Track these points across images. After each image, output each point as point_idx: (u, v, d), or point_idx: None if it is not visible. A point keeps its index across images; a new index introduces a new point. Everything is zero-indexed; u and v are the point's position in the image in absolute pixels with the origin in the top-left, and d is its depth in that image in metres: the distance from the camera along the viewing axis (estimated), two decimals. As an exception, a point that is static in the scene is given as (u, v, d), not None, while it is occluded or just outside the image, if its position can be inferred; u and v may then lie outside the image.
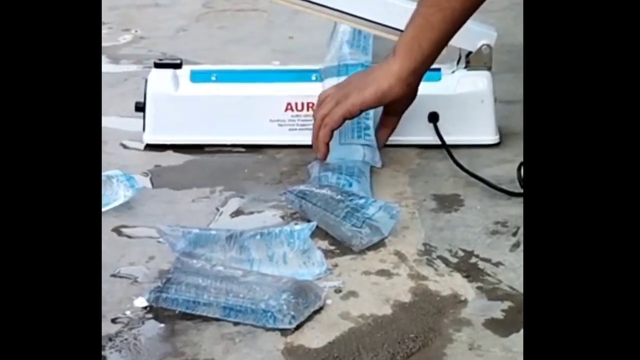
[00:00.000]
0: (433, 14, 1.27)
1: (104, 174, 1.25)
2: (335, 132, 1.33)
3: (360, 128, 1.38)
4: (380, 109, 1.37)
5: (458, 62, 1.46)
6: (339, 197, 1.19)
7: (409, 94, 1.32)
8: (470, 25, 1.45)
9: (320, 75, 1.45)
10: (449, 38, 1.30)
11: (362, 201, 1.18)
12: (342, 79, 1.39)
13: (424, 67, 1.31)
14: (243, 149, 1.41)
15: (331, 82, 1.40)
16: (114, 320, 1.02)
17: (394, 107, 1.34)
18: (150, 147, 1.46)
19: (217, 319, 1.01)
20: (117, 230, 1.21)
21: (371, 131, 1.38)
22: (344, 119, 1.31)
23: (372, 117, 1.38)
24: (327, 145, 1.32)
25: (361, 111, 1.31)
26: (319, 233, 1.16)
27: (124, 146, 1.48)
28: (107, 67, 1.81)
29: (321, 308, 1.03)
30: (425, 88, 1.43)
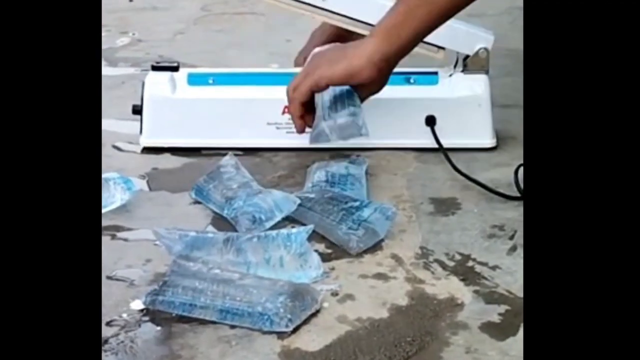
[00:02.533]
0: (418, 6, 1.26)
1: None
2: (320, 107, 1.32)
3: (343, 101, 1.33)
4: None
5: (455, 66, 1.46)
6: (333, 201, 1.19)
7: (377, 81, 1.30)
8: (467, 28, 1.45)
9: None
10: (428, 32, 1.30)
11: (356, 204, 1.18)
12: None
13: (398, 57, 1.29)
14: (240, 152, 1.41)
15: None
16: (110, 323, 1.02)
17: (362, 90, 1.32)
18: (147, 149, 1.46)
19: (213, 322, 1.01)
20: (113, 233, 1.21)
21: (354, 102, 1.32)
22: (311, 92, 1.31)
23: (354, 94, 1.34)
24: (302, 118, 1.32)
25: (327, 86, 1.30)
26: (315, 236, 1.16)
27: (121, 149, 1.48)
28: (104, 69, 1.81)
29: (318, 311, 1.03)
30: (422, 91, 1.43)
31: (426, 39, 1.41)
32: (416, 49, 1.41)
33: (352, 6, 1.43)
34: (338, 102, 1.31)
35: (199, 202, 1.28)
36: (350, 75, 1.28)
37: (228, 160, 1.32)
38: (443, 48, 1.44)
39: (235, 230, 1.18)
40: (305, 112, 1.33)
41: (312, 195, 1.22)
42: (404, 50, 1.28)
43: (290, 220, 1.21)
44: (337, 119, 1.30)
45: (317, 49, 1.38)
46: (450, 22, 1.42)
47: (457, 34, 1.44)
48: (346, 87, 1.31)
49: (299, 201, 1.21)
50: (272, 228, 1.17)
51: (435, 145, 1.41)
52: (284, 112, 1.44)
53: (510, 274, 1.10)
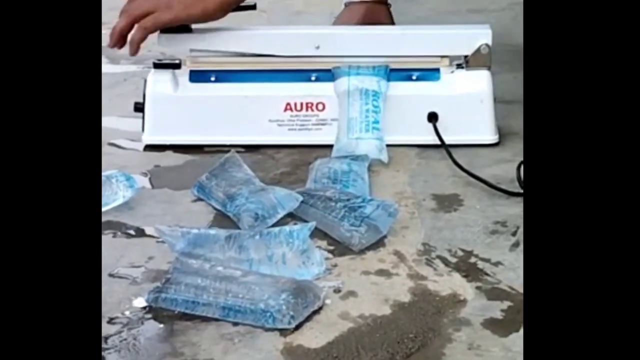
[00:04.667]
0: None
1: (103, 174, 1.24)
2: (344, 126, 1.34)
3: (368, 122, 1.38)
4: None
5: (459, 66, 1.46)
6: (335, 197, 1.19)
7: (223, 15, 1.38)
8: (464, 30, 1.46)
9: (324, 75, 1.45)
10: None
11: (359, 200, 1.18)
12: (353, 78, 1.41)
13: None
14: (242, 149, 1.41)
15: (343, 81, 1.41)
16: (113, 321, 1.02)
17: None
18: (149, 147, 1.46)
19: (216, 319, 1.01)
20: (116, 231, 1.21)
21: (379, 125, 1.38)
22: (163, 27, 1.37)
23: (380, 110, 1.38)
24: (125, 38, 1.39)
25: (178, 24, 1.37)
26: (318, 233, 1.16)
27: (123, 146, 1.48)
28: (106, 67, 1.80)
29: (320, 308, 1.03)
30: (424, 88, 1.43)
31: (427, 52, 1.42)
32: (419, 58, 1.43)
33: (344, 45, 1.45)
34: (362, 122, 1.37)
35: (201, 200, 1.28)
36: (206, 18, 1.37)
37: (230, 157, 1.32)
38: (446, 56, 1.45)
39: (238, 228, 1.18)
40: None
41: (314, 192, 1.22)
42: None
43: (292, 217, 1.21)
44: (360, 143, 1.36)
45: None
46: (446, 30, 1.44)
47: (455, 40, 1.45)
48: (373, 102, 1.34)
49: (301, 198, 1.21)
50: (275, 225, 1.17)
51: (438, 142, 1.40)
52: (286, 109, 1.44)
53: (512, 270, 1.10)
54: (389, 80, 1.42)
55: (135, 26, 1.38)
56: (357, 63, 1.43)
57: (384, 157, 1.37)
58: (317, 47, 1.44)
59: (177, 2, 1.35)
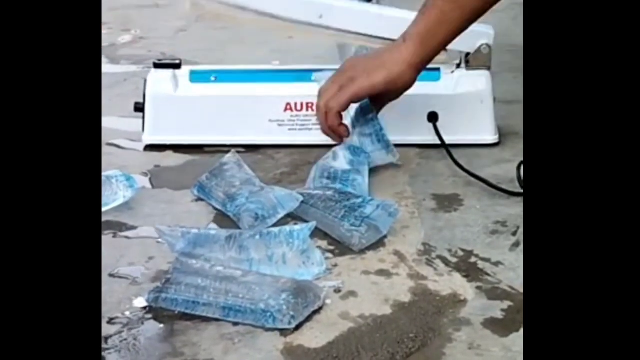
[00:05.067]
0: (452, 10, 1.28)
1: (103, 174, 1.25)
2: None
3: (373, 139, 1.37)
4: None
5: (459, 65, 1.46)
6: (336, 197, 1.19)
7: (410, 84, 1.31)
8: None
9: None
10: (459, 34, 1.31)
11: (359, 200, 1.18)
12: None
13: (432, 59, 1.31)
14: (242, 149, 1.41)
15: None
16: (113, 321, 1.02)
17: (386, 97, 1.33)
18: (149, 147, 1.46)
19: (216, 319, 1.01)
20: (116, 231, 1.21)
21: (385, 131, 1.36)
22: (350, 102, 1.31)
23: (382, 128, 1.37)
24: (342, 125, 1.32)
25: (368, 95, 1.31)
26: (318, 233, 1.16)
27: (124, 147, 1.48)
28: (106, 67, 1.81)
29: (320, 308, 1.03)
30: (424, 88, 1.43)
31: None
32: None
33: (349, 20, 1.43)
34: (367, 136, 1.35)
35: (202, 200, 1.28)
36: (391, 82, 1.29)
37: (230, 157, 1.32)
38: (445, 49, 1.44)
39: (238, 228, 1.18)
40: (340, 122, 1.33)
41: (314, 192, 1.22)
42: (437, 53, 1.31)
43: (292, 217, 1.21)
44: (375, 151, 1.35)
45: (348, 59, 1.37)
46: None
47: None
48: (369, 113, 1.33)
49: (301, 198, 1.21)
50: (275, 225, 1.17)
51: (438, 142, 1.40)
52: (285, 109, 1.44)
53: (512, 270, 1.10)
54: None
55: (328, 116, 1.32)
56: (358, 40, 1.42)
57: (394, 159, 1.36)
58: (320, 17, 1.43)
59: (360, 72, 1.30)
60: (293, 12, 1.43)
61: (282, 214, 1.20)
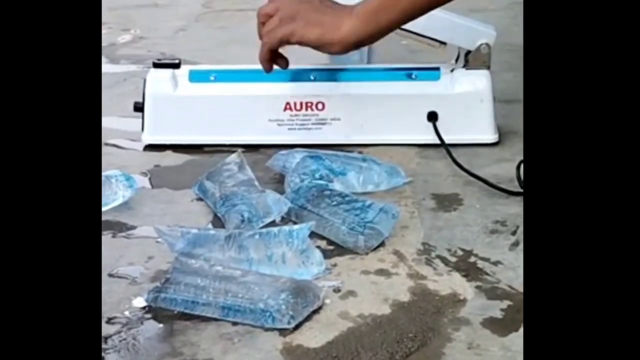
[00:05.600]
0: None
1: (103, 174, 1.25)
2: None
3: None
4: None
5: (457, 61, 1.46)
6: (335, 201, 1.18)
7: (343, 54, 1.32)
8: (469, 24, 1.45)
9: (323, 75, 1.45)
10: (406, 22, 1.30)
11: (359, 204, 1.18)
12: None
13: (370, 41, 1.31)
14: (242, 149, 1.41)
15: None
16: (112, 321, 1.02)
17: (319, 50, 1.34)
18: (149, 147, 1.46)
19: (215, 319, 1.01)
20: (115, 231, 1.21)
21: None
22: (282, 43, 1.33)
23: None
24: (271, 61, 1.35)
25: (296, 43, 1.32)
26: (317, 233, 1.16)
27: (123, 146, 1.48)
28: (106, 67, 1.81)
29: (320, 308, 1.03)
30: (424, 87, 1.43)
31: (427, 34, 1.41)
32: (417, 43, 1.41)
33: None
34: None
35: (201, 199, 1.28)
36: (321, 45, 1.30)
37: (234, 158, 1.31)
38: (444, 43, 1.44)
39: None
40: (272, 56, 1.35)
41: (310, 193, 1.21)
42: (379, 35, 1.29)
43: (292, 222, 1.20)
44: None
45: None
46: (452, 17, 1.42)
47: (458, 29, 1.44)
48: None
49: (289, 204, 1.20)
50: (275, 226, 1.17)
51: (437, 141, 1.40)
52: (285, 109, 1.44)
53: (512, 270, 1.10)
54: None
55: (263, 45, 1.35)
56: None
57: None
58: None
59: (303, 16, 1.31)
60: None
61: (270, 218, 1.19)
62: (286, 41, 1.32)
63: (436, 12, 1.38)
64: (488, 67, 1.44)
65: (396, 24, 1.29)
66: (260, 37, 1.35)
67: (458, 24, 1.44)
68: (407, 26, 1.38)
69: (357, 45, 1.30)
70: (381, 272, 1.11)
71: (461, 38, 1.44)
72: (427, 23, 1.39)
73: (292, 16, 1.31)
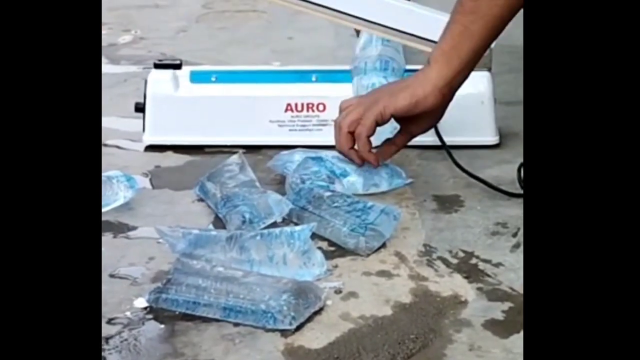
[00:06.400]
0: (473, 21, 1.21)
1: (104, 174, 1.25)
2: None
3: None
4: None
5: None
6: (337, 202, 1.19)
7: (440, 107, 1.25)
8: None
9: (350, 74, 1.43)
10: (488, 46, 1.25)
11: (361, 205, 1.18)
12: (383, 77, 1.39)
13: (460, 79, 1.24)
14: (243, 150, 1.41)
15: (370, 77, 1.40)
16: (113, 321, 1.02)
17: (418, 123, 1.27)
18: (150, 147, 1.46)
19: (217, 320, 1.01)
20: (117, 231, 1.21)
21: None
22: (376, 125, 1.25)
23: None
24: (372, 152, 1.27)
25: (393, 116, 1.25)
26: (318, 234, 1.16)
27: (124, 147, 1.48)
28: (106, 67, 1.81)
29: (321, 309, 1.03)
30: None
31: (428, 36, 1.41)
32: (420, 47, 1.41)
33: (356, 5, 1.42)
34: None
35: (202, 200, 1.28)
36: (415, 104, 1.23)
37: (235, 159, 1.31)
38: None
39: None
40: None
41: (311, 194, 1.21)
42: (466, 71, 1.24)
43: (293, 223, 1.20)
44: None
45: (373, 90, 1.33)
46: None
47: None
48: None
49: (290, 205, 1.20)
50: (276, 227, 1.17)
51: (438, 143, 1.40)
52: (286, 110, 1.44)
53: (513, 271, 1.10)
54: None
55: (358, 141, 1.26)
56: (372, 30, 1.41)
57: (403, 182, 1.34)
58: None
59: (385, 94, 1.25)
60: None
61: (271, 219, 1.19)
62: (380, 121, 1.24)
63: (437, 15, 1.38)
64: (489, 69, 1.45)
65: (478, 53, 1.24)
66: (346, 131, 1.26)
67: None
68: (407, 29, 1.39)
69: (448, 87, 1.23)
70: (382, 273, 1.11)
71: None
72: (427, 25, 1.39)
73: (375, 99, 1.26)
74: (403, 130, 1.29)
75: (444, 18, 1.39)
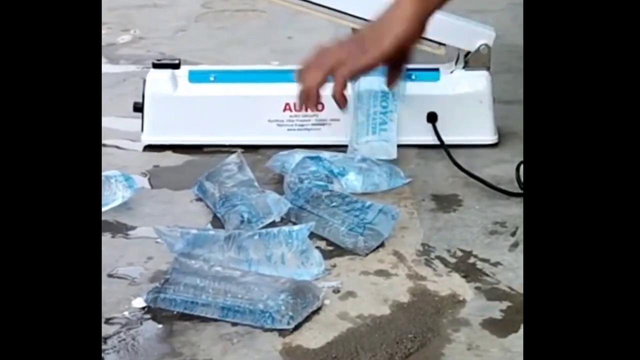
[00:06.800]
0: None
1: (102, 174, 1.24)
2: (354, 131, 1.34)
3: (375, 124, 1.38)
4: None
5: (457, 62, 1.46)
6: (335, 202, 1.19)
7: (421, 34, 1.22)
8: (468, 25, 1.45)
9: None
10: None
11: (359, 205, 1.18)
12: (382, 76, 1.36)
13: (436, 5, 1.21)
14: (242, 149, 1.41)
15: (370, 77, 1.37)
16: (111, 321, 1.02)
17: (402, 58, 1.24)
18: (148, 147, 1.46)
19: (215, 320, 1.01)
20: (115, 231, 1.21)
21: (387, 126, 1.38)
22: (361, 73, 1.23)
23: (390, 110, 1.38)
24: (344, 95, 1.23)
25: (381, 64, 1.22)
26: (316, 233, 1.16)
27: (123, 147, 1.48)
28: (105, 67, 1.81)
29: (319, 308, 1.03)
30: (424, 88, 1.43)
31: (427, 35, 1.40)
32: (420, 47, 1.41)
33: (355, 4, 1.42)
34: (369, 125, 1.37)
35: (201, 200, 1.28)
36: (402, 44, 1.20)
37: (233, 158, 1.31)
38: (444, 44, 1.44)
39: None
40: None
41: (310, 194, 1.21)
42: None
43: (291, 222, 1.20)
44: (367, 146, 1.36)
45: (347, 39, 1.29)
46: (451, 19, 1.42)
47: (458, 30, 1.44)
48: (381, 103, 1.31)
49: (289, 204, 1.20)
50: (274, 227, 1.17)
51: (437, 142, 1.40)
52: (285, 109, 1.44)
53: (512, 271, 1.10)
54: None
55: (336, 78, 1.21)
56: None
57: (391, 156, 1.37)
58: None
59: (369, 42, 1.20)
60: None
61: (270, 219, 1.19)
62: (368, 69, 1.21)
63: (436, 15, 1.38)
64: (488, 68, 1.45)
65: None
66: (328, 66, 1.21)
67: (457, 25, 1.44)
68: None
69: (429, 14, 1.19)
70: (381, 272, 1.11)
71: (461, 39, 1.44)
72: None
73: (361, 47, 1.20)
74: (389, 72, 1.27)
75: (444, 18, 1.40)
